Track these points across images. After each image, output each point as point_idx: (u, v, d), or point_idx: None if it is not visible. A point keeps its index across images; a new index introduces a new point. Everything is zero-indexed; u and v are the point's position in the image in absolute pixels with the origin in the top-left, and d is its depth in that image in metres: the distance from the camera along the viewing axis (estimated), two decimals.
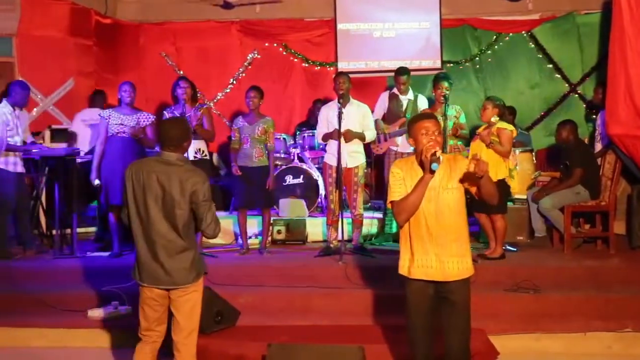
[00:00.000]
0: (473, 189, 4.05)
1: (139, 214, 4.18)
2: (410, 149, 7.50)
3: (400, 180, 4.07)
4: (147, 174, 4.15)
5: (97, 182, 7.34)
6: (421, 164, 3.98)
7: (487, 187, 4.00)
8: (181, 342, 4.28)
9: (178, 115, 7.12)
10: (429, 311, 4.09)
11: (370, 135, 7.48)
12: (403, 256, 4.15)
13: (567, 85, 10.38)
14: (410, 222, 4.05)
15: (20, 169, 7.58)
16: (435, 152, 3.88)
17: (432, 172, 3.89)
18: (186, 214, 4.16)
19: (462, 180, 4.02)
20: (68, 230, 7.89)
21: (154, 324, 4.29)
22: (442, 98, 7.40)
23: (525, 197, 8.01)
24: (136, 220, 4.20)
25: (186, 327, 4.27)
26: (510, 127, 7.01)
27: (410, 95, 8.02)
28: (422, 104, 8.05)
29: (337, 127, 7.10)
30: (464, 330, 4.07)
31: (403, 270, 4.13)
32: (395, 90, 8.08)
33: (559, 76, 10.41)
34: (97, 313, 6.18)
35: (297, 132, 9.62)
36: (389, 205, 4.18)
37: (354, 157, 7.31)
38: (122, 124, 7.32)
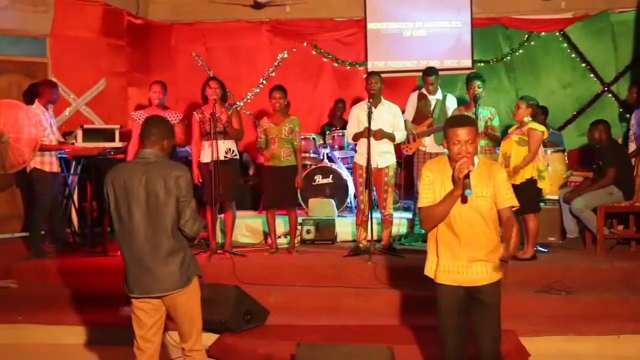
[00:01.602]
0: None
1: (121, 221, 4.03)
2: (439, 150, 7.56)
3: (430, 185, 3.98)
4: (128, 178, 4.00)
5: None
6: (453, 179, 3.86)
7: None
8: (191, 349, 4.20)
9: (208, 115, 7.18)
10: (460, 312, 4.03)
11: (401, 136, 7.45)
12: (430, 258, 4.09)
13: (600, 84, 10.27)
14: (439, 226, 3.99)
15: (56, 168, 7.68)
16: (468, 173, 3.77)
17: (465, 198, 3.81)
18: (174, 212, 3.99)
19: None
20: (100, 229, 7.97)
21: (150, 332, 4.12)
22: (475, 97, 7.36)
23: (557, 197, 7.92)
24: (119, 228, 4.05)
25: (192, 333, 4.18)
26: (542, 128, 6.93)
27: (439, 95, 7.98)
28: (451, 103, 8.02)
29: (367, 126, 7.09)
30: (495, 332, 4.02)
31: (429, 273, 4.08)
32: (424, 90, 8.04)
33: (592, 75, 10.32)
34: (128, 311, 6.21)
35: (327, 132, 9.62)
36: (418, 211, 4.14)
37: (384, 157, 7.29)
38: None
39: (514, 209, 3.98)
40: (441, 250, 4.00)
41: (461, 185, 3.78)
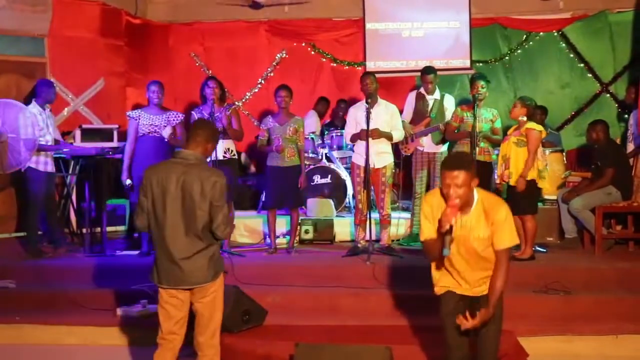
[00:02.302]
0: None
1: (156, 217, 4.19)
2: (436, 149, 7.58)
3: (429, 218, 3.97)
4: (166, 176, 4.16)
5: (128, 181, 7.41)
6: (440, 233, 3.81)
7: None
8: (207, 344, 4.32)
9: (207, 115, 7.17)
10: (462, 312, 4.05)
11: (398, 135, 7.45)
12: (434, 275, 4.15)
13: (598, 84, 10.27)
14: None
15: (50, 168, 7.66)
16: (450, 228, 3.70)
17: (442, 257, 3.80)
18: (206, 215, 4.15)
19: None
20: (98, 229, 7.96)
21: (177, 325, 4.27)
22: (474, 98, 7.35)
23: (555, 197, 7.93)
24: (153, 223, 4.21)
25: (209, 326, 4.31)
26: (539, 127, 6.93)
27: (437, 95, 7.98)
28: (449, 104, 8.01)
29: (364, 127, 7.09)
30: (494, 343, 4.04)
31: (436, 289, 4.16)
32: (422, 90, 8.04)
33: (590, 75, 10.31)
34: (126, 311, 6.23)
35: (325, 132, 9.62)
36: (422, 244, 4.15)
37: (381, 157, 7.28)
38: (153, 124, 7.38)
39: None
40: (443, 276, 4.07)
41: (440, 245, 3.78)
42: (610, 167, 7.43)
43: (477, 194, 3.92)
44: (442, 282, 4.11)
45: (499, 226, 3.86)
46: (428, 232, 3.95)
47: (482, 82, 7.40)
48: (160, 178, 4.16)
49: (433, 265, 4.13)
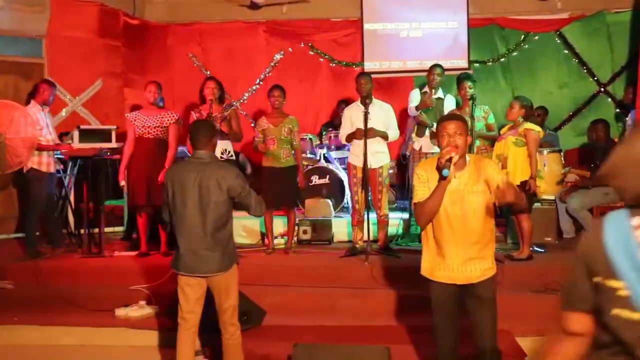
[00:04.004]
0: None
1: (176, 211, 4.62)
2: (435, 149, 7.55)
3: (424, 182, 4.04)
4: (185, 175, 4.58)
5: (122, 182, 7.44)
6: (438, 169, 3.94)
7: (517, 204, 3.93)
8: (229, 322, 4.71)
9: (205, 115, 7.16)
10: (453, 307, 4.10)
11: (393, 134, 7.43)
12: (425, 257, 4.15)
13: (596, 84, 10.27)
14: (433, 225, 4.04)
15: (53, 169, 7.67)
16: (450, 157, 3.85)
17: (443, 178, 3.88)
18: (222, 208, 4.58)
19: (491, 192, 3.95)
20: (96, 230, 7.96)
21: (195, 304, 4.67)
22: (469, 98, 7.34)
23: (553, 197, 7.93)
24: (175, 217, 4.64)
25: (227, 306, 4.69)
26: (538, 128, 6.93)
27: (440, 94, 7.98)
28: (450, 104, 8.00)
29: (360, 127, 7.10)
30: (492, 326, 4.05)
31: (425, 272, 4.15)
32: (426, 88, 8.05)
33: (588, 76, 10.31)
34: (124, 312, 6.23)
35: (323, 133, 9.62)
36: (413, 207, 4.18)
37: (377, 157, 7.26)
38: (145, 126, 7.37)
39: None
40: (435, 249, 4.05)
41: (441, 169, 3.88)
42: None
43: (468, 157, 4.05)
44: (426, 260, 4.13)
45: (494, 177, 3.97)
46: (422, 194, 4.02)
47: (469, 83, 7.38)
48: (178, 177, 4.60)
49: (425, 239, 4.13)
